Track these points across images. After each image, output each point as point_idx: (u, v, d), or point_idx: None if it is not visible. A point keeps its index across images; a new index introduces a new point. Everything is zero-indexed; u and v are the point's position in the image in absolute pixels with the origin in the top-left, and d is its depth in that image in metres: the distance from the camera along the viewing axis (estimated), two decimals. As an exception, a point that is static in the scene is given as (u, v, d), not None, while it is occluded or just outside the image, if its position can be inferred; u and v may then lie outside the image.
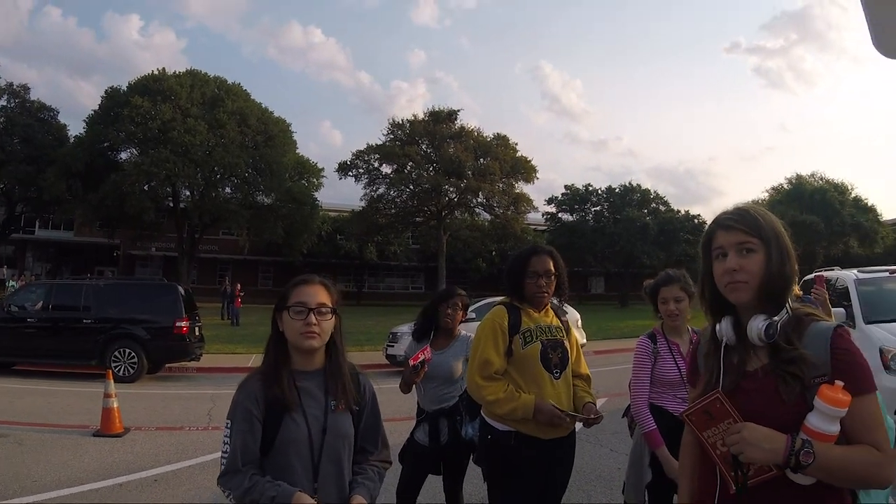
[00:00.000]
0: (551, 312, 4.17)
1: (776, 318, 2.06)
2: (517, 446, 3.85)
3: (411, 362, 4.73)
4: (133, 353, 15.43)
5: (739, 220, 2.12)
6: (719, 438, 2.05)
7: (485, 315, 4.18)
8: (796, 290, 5.64)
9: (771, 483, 1.97)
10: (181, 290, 16.73)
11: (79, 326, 15.67)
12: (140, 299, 16.35)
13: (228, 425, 2.72)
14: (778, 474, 1.94)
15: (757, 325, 2.05)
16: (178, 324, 15.70)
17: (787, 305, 2.10)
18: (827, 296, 6.04)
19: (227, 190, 47.19)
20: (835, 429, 1.90)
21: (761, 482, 1.98)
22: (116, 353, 15.41)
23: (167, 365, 17.31)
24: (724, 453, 2.04)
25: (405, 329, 17.49)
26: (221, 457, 2.72)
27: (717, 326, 2.21)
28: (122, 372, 15.06)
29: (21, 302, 16.52)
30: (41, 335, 15.72)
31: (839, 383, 1.89)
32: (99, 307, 15.82)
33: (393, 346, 17.65)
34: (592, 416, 3.88)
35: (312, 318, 2.75)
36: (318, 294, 2.81)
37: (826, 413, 1.89)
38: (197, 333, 16.98)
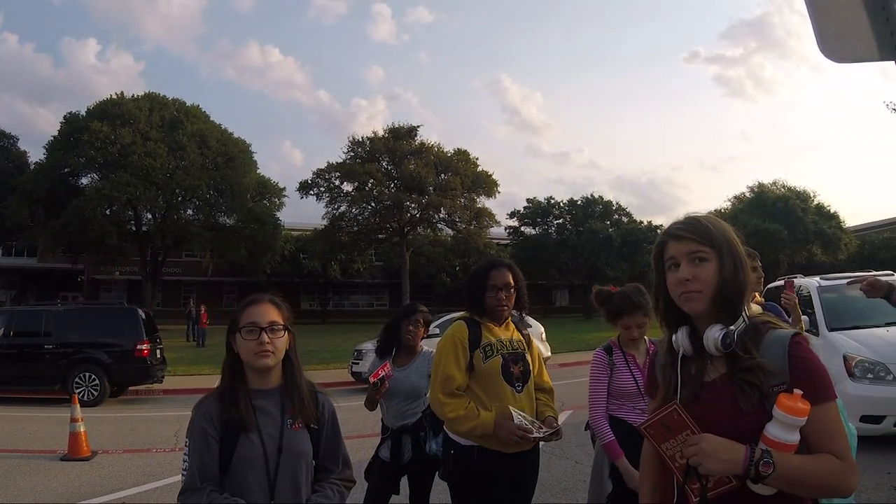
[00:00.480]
0: (512, 326, 4.21)
1: (732, 326, 2.05)
2: (480, 461, 3.86)
3: (371, 379, 4.80)
4: (95, 377, 15.60)
5: (690, 229, 2.11)
6: (678, 450, 2.03)
7: (444, 331, 4.25)
8: (758, 297, 5.83)
9: (731, 495, 1.95)
10: (141, 313, 16.90)
11: (41, 352, 15.80)
12: (101, 323, 16.51)
13: (187, 444, 2.77)
14: (738, 485, 1.93)
15: (713, 335, 2.04)
16: (139, 347, 15.91)
17: (743, 314, 2.08)
18: (797, 301, 6.03)
19: (189, 212, 47.15)
20: (794, 438, 1.90)
21: (721, 494, 1.96)
22: (79, 377, 15.56)
23: (133, 388, 17.49)
24: (683, 465, 2.01)
25: (370, 346, 17.62)
26: (182, 474, 2.77)
27: (674, 337, 2.19)
28: (84, 396, 15.13)
29: (-19, 330, 16.53)
30: (3, 362, 15.73)
31: (798, 392, 1.89)
32: (60, 332, 15.96)
33: (358, 363, 17.88)
34: (551, 432, 3.89)
35: (265, 337, 2.77)
36: (269, 313, 2.84)
37: (785, 422, 1.89)
38: (158, 356, 17.18)
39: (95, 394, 15.38)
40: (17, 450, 10.59)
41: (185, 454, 2.77)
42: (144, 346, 15.97)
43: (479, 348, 3.95)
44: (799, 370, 1.96)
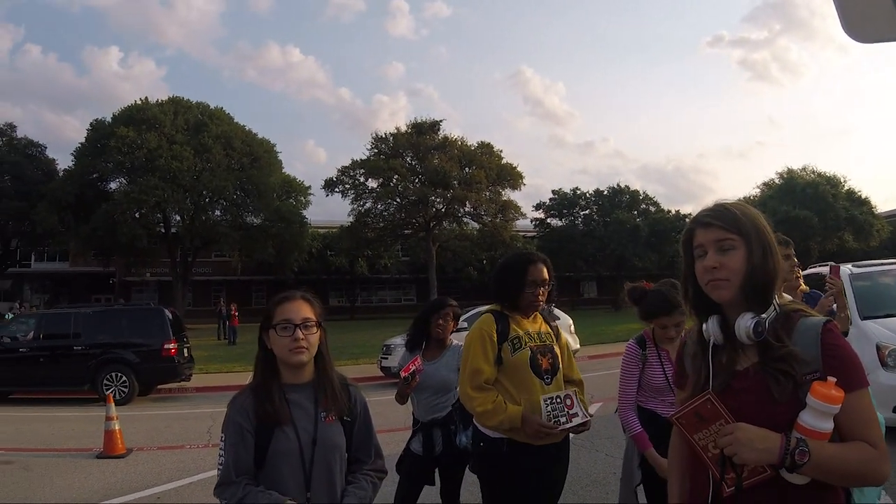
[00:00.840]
0: (539, 318, 4.17)
1: (764, 315, 2.02)
2: (510, 453, 3.85)
3: (402, 374, 4.80)
4: (124, 377, 15.86)
5: (717, 216, 2.09)
6: (711, 441, 2.01)
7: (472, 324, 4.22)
8: (803, 285, 5.78)
9: (765, 484, 1.93)
10: (168, 313, 17.16)
11: (70, 353, 16.11)
12: (128, 324, 16.81)
13: (223, 439, 2.83)
14: (772, 475, 1.91)
15: (745, 324, 2.01)
16: (166, 346, 16.15)
17: (774, 302, 2.06)
18: (842, 286, 5.84)
19: (217, 213, 47.77)
20: (828, 426, 1.88)
21: (756, 483, 1.94)
22: (108, 377, 15.83)
23: (166, 386, 17.79)
24: (716, 455, 1.99)
25: (398, 341, 17.74)
26: (217, 469, 2.83)
27: (704, 326, 2.16)
28: (114, 395, 15.34)
29: (13, 333, 16.90)
30: (34, 364, 16.12)
31: (832, 379, 1.87)
32: (88, 334, 16.26)
33: (387, 357, 17.93)
34: (580, 422, 3.85)
35: (299, 334, 2.81)
36: (302, 309, 2.87)
37: (819, 410, 1.87)
38: (186, 354, 17.41)
39: (124, 393, 15.63)
40: (54, 448, 10.79)
41: (220, 449, 2.84)
42: (172, 346, 16.21)
43: (507, 341, 3.92)
44: (832, 358, 1.94)
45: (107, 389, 15.33)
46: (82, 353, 16.06)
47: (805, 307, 2.13)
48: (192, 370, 18.13)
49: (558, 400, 3.84)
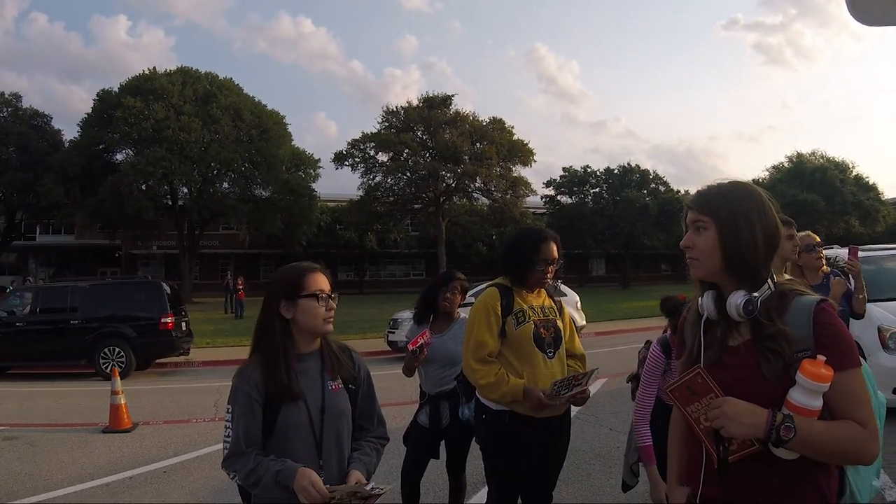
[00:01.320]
0: (543, 293, 4.19)
1: (756, 293, 2.04)
2: (511, 425, 3.90)
3: (410, 347, 4.89)
4: (121, 351, 15.62)
5: (695, 199, 2.16)
6: (702, 413, 2.05)
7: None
8: (824, 266, 5.71)
9: (754, 458, 1.98)
10: (166, 287, 16.93)
11: (67, 327, 15.90)
12: (125, 298, 16.54)
13: (229, 410, 2.78)
14: (760, 449, 1.95)
15: (736, 301, 2.04)
16: (163, 320, 15.90)
17: (769, 281, 2.07)
18: (860, 267, 5.94)
19: (225, 185, 47.70)
20: (817, 404, 1.90)
21: (744, 457, 1.99)
22: (105, 351, 15.63)
23: (171, 360, 17.70)
24: (708, 428, 2.03)
25: (406, 315, 17.56)
26: (224, 442, 2.78)
27: (699, 300, 2.20)
28: (110, 369, 15.19)
29: (10, 307, 16.70)
30: (31, 338, 15.94)
31: (821, 358, 1.89)
32: (85, 308, 16.04)
33: (394, 332, 17.85)
34: (578, 393, 3.89)
35: (332, 304, 2.87)
36: (327, 281, 2.91)
37: (807, 388, 1.89)
38: (184, 328, 17.18)
39: (121, 367, 15.21)
40: (60, 423, 10.68)
41: (227, 421, 2.77)
42: (169, 320, 15.95)
43: (511, 314, 3.95)
44: (824, 336, 1.95)
45: (104, 364, 15.31)
46: (79, 327, 15.84)
47: (801, 286, 2.16)
48: (191, 344, 17.91)
49: (566, 382, 3.83)
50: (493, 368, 3.86)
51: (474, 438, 4.53)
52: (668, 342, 4.37)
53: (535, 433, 3.90)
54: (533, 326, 3.96)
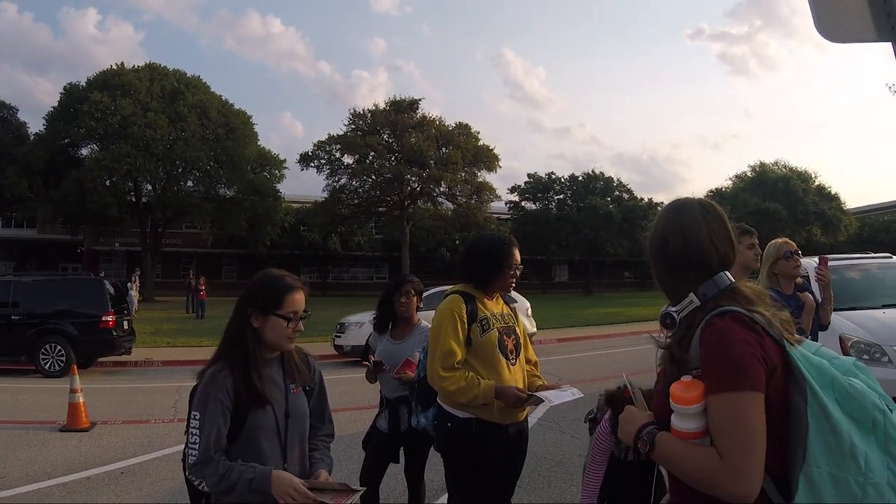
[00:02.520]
0: (500, 299, 4.26)
1: (674, 308, 2.06)
2: (477, 432, 3.93)
3: (371, 358, 5.12)
4: (61, 348, 15.73)
5: None
6: None
7: (435, 304, 4.34)
8: (799, 277, 5.72)
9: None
10: (108, 284, 17.07)
11: (8, 323, 15.92)
12: (68, 295, 16.58)
13: (197, 416, 2.78)
14: (646, 455, 1.98)
15: (660, 315, 2.10)
16: (104, 318, 16.02)
17: (691, 294, 2.02)
18: (830, 278, 5.93)
19: (190, 183, 47.50)
20: (688, 426, 1.84)
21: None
22: (45, 348, 15.73)
23: (130, 359, 17.90)
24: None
25: (353, 319, 18.12)
26: (189, 448, 2.79)
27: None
28: (50, 367, 15.53)
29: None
30: (-28, 332, 15.90)
31: (686, 378, 1.86)
32: (28, 303, 16.09)
33: (340, 336, 18.07)
34: (552, 386, 4.06)
35: (301, 326, 2.92)
36: (304, 299, 2.94)
37: (675, 410, 1.86)
38: (126, 327, 17.33)
39: (60, 365, 15.54)
40: (17, 420, 10.73)
41: (193, 427, 2.79)
42: (110, 318, 16.07)
43: (475, 322, 3.99)
44: (703, 355, 1.88)
45: (44, 361, 15.47)
46: (20, 322, 15.91)
47: (740, 297, 2.00)
48: (133, 343, 17.99)
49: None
50: (461, 374, 3.88)
51: (433, 446, 4.52)
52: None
53: (501, 439, 3.97)
54: (497, 334, 4.02)
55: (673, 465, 1.92)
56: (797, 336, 1.95)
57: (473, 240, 4.47)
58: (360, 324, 17.79)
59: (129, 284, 28.60)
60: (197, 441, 2.75)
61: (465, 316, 3.97)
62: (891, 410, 1.79)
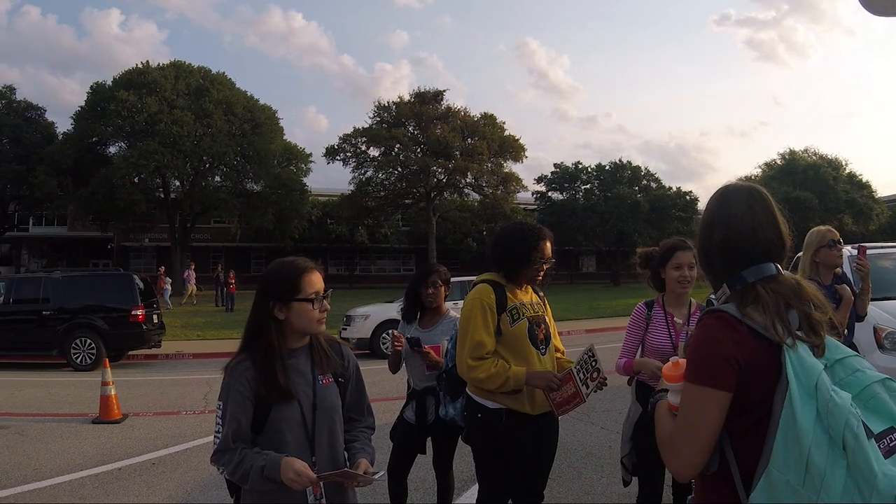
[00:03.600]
0: (529, 289, 4.20)
1: (714, 296, 2.15)
2: (508, 423, 3.91)
3: (396, 346, 5.02)
4: (91, 342, 15.96)
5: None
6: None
7: (460, 294, 4.36)
8: (837, 269, 5.61)
9: None
10: (137, 279, 17.24)
11: (39, 318, 16.18)
12: (98, 290, 16.89)
13: (220, 406, 2.81)
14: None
15: (705, 301, 2.23)
16: (134, 312, 16.25)
17: (724, 286, 2.06)
18: (870, 267, 5.69)
19: (217, 179, 47.73)
20: (675, 400, 2.00)
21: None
22: (76, 342, 15.95)
23: (161, 352, 18.10)
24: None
25: (360, 311, 18.14)
26: (214, 437, 2.83)
27: None
28: (81, 360, 15.71)
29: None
30: (3, 328, 16.13)
31: (674, 359, 2.04)
32: (58, 299, 16.35)
33: (346, 328, 18.06)
34: (600, 381, 3.97)
35: (327, 304, 2.88)
36: (321, 279, 2.90)
37: (665, 385, 2.07)
38: (155, 321, 17.57)
39: (91, 359, 15.76)
40: (50, 413, 10.87)
41: (217, 417, 2.83)
42: (140, 312, 16.31)
43: (505, 311, 3.95)
44: (688, 347, 2.00)
45: (75, 355, 15.67)
46: (51, 317, 16.15)
47: (750, 299, 1.97)
48: (162, 337, 18.25)
49: (582, 367, 3.90)
50: (490, 362, 3.84)
51: (461, 437, 4.49)
52: (654, 301, 4.58)
53: (530, 430, 3.96)
54: (527, 323, 3.99)
55: (655, 428, 2.07)
56: (820, 336, 1.90)
57: (503, 228, 4.45)
58: (365, 316, 17.95)
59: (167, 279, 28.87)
60: (219, 431, 2.79)
61: (495, 305, 3.92)
62: (869, 436, 1.69)
